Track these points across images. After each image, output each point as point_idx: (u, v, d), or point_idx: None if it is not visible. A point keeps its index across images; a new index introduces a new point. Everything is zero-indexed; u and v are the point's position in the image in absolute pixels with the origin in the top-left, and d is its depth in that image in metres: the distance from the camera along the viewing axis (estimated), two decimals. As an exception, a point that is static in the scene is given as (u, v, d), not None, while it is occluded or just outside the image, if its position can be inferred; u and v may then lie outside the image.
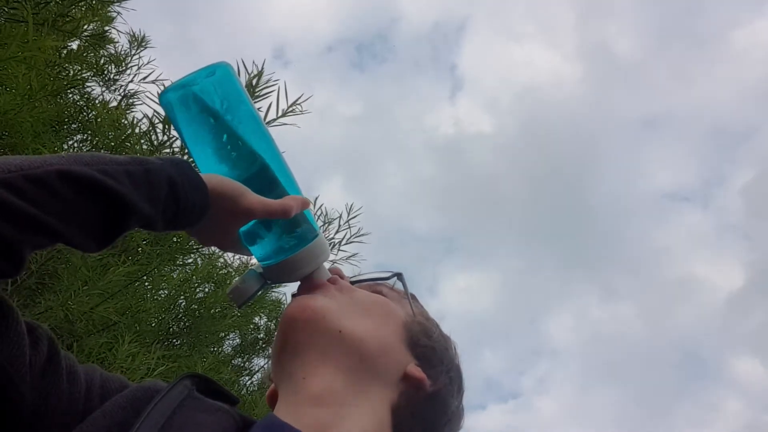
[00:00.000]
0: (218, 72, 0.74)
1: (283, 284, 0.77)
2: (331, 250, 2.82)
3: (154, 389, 0.64)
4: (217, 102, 0.74)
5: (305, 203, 0.74)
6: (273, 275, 0.76)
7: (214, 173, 0.71)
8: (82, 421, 0.60)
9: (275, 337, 0.74)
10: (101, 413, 0.60)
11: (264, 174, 0.75)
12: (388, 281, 0.83)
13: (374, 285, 0.82)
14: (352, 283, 0.81)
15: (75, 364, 0.64)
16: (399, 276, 0.82)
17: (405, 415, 0.69)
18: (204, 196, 0.66)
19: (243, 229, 0.73)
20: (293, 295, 0.76)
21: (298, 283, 0.77)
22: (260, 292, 0.78)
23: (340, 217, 2.78)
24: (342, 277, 0.79)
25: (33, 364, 0.59)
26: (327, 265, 0.80)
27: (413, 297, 0.81)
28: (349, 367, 0.68)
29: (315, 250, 0.76)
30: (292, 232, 0.76)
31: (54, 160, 0.55)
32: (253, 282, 0.76)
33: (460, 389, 0.78)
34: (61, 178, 0.54)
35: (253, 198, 0.70)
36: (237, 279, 0.79)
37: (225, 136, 0.74)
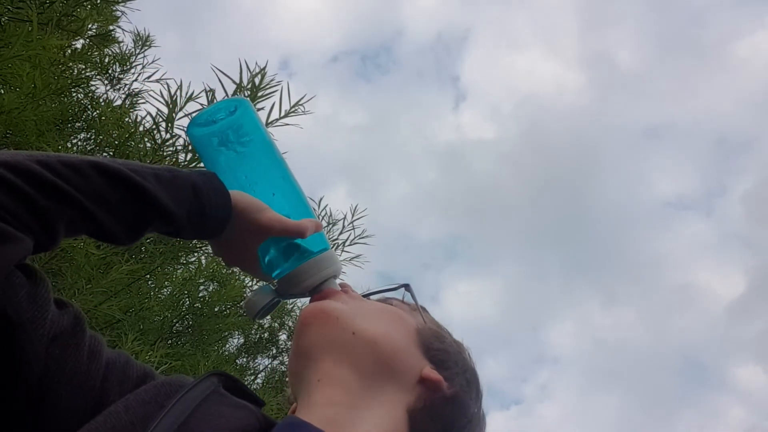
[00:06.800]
0: (240, 109, 0.83)
1: (295, 297, 0.82)
2: (335, 250, 2.82)
3: (180, 384, 0.64)
4: (239, 137, 0.82)
5: (318, 226, 0.80)
6: (283, 287, 0.79)
7: None
8: (99, 400, 0.61)
9: (291, 350, 0.75)
10: (124, 408, 0.59)
11: (281, 204, 0.79)
12: (397, 295, 0.84)
13: (384, 298, 0.83)
14: (363, 296, 0.83)
15: (100, 345, 0.66)
16: (407, 287, 0.83)
17: (422, 417, 0.69)
18: (227, 203, 0.71)
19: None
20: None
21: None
22: (273, 305, 0.82)
23: (345, 218, 2.78)
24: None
25: (53, 330, 0.60)
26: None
27: (423, 309, 0.82)
28: (363, 369, 0.68)
29: (323, 261, 0.79)
30: (302, 247, 0.80)
31: (87, 156, 0.63)
32: (265, 295, 0.79)
33: (478, 393, 0.77)
34: (92, 167, 0.61)
35: (273, 215, 0.75)
36: (251, 292, 0.84)
37: (245, 169, 0.81)
